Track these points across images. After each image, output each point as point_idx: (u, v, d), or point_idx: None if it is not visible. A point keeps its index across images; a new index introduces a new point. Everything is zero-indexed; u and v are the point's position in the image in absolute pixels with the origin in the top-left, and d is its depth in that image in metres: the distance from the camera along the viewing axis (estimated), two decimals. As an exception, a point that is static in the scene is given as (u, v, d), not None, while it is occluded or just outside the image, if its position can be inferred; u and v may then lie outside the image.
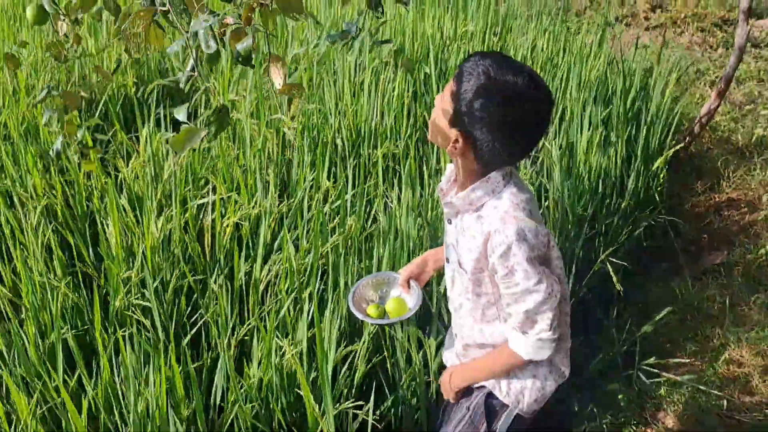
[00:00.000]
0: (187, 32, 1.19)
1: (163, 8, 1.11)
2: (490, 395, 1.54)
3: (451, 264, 1.52)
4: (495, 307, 1.47)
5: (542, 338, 1.38)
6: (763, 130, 4.37)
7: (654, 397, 2.53)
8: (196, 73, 1.33)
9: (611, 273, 2.53)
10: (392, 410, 2.04)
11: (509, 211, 1.33)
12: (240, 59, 1.37)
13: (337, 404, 1.77)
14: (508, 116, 1.28)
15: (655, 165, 3.14)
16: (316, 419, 1.68)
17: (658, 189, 3.27)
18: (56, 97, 1.64)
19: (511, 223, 1.31)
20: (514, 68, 1.27)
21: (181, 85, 1.38)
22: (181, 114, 1.41)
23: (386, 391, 2.02)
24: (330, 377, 1.70)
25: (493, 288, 1.43)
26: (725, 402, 2.52)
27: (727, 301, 2.99)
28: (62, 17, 1.59)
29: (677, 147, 3.44)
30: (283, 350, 1.78)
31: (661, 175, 3.24)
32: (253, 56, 1.38)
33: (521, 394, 1.51)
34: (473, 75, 1.27)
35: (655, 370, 2.59)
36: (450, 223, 1.48)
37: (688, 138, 4.01)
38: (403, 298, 1.68)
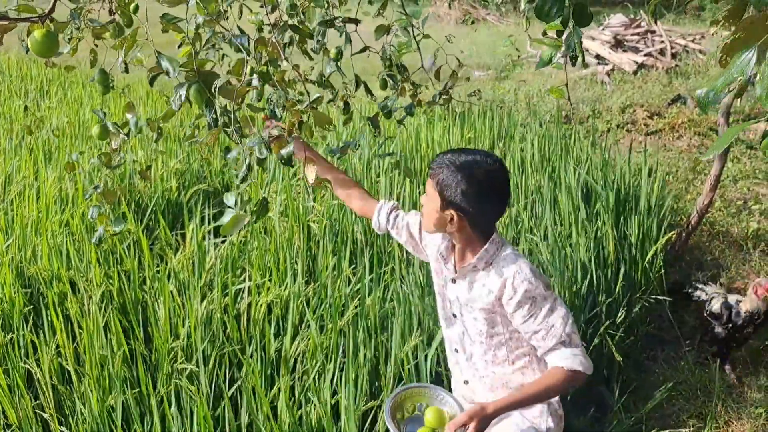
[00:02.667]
0: (243, 145, 1.59)
1: (226, 129, 1.52)
2: None
3: (457, 318, 1.80)
4: (505, 348, 1.74)
5: (574, 342, 1.66)
6: (757, 224, 4.65)
7: (659, 469, 2.66)
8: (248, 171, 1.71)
9: (611, 344, 2.74)
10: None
11: (518, 259, 1.69)
12: (282, 161, 1.76)
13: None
14: (480, 184, 1.66)
15: (650, 251, 3.42)
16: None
17: (656, 275, 3.52)
18: (99, 194, 1.98)
19: (524, 265, 1.67)
20: (468, 152, 1.71)
21: (237, 182, 1.75)
22: (230, 199, 1.78)
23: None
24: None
25: (503, 328, 1.72)
26: (730, 476, 2.63)
27: (729, 383, 3.14)
28: (121, 134, 1.99)
29: (671, 234, 3.72)
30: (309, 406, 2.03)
31: (657, 262, 3.50)
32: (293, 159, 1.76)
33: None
34: (443, 167, 1.67)
35: (660, 444, 2.73)
36: (454, 282, 1.78)
37: (687, 230, 4.29)
38: (442, 409, 1.68)
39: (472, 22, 5.94)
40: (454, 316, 1.81)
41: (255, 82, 1.73)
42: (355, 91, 2.15)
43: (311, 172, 1.77)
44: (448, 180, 1.65)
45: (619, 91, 8.64)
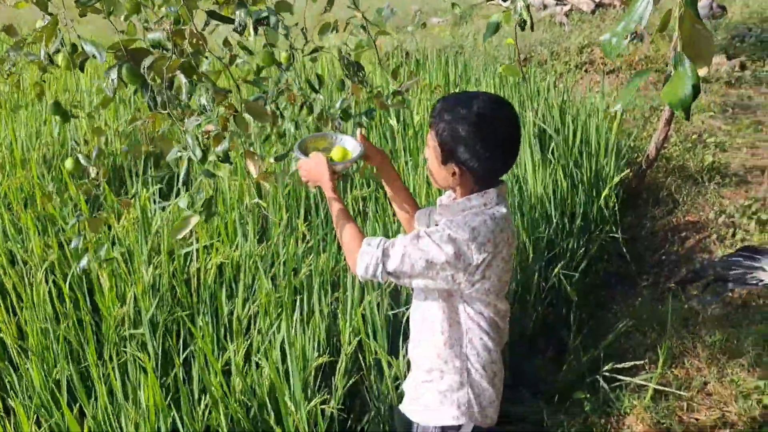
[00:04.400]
0: (183, 130, 1.53)
1: (164, 111, 1.45)
2: (443, 430, 1.62)
3: None
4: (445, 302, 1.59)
5: (384, 264, 1.50)
6: (712, 157, 4.69)
7: (617, 402, 2.71)
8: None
9: (567, 287, 2.76)
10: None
11: (485, 217, 1.49)
12: (220, 158, 1.70)
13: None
14: (484, 136, 1.47)
15: (605, 190, 3.42)
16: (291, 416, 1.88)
17: (611, 212, 3.54)
18: (84, 221, 1.88)
19: (478, 220, 1.48)
20: (473, 97, 1.51)
21: (180, 185, 1.69)
22: (182, 202, 1.73)
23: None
24: (303, 379, 1.90)
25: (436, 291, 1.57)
26: (685, 404, 2.70)
27: (684, 313, 3.21)
28: (92, 168, 1.88)
29: (627, 172, 3.73)
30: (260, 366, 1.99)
31: (612, 200, 3.51)
32: (231, 154, 1.72)
33: (469, 406, 1.60)
34: (444, 115, 1.49)
35: (618, 376, 2.78)
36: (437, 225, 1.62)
37: (644, 166, 4.32)
38: (346, 147, 1.79)
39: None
40: None
41: (182, 77, 1.63)
42: (317, 93, 2.07)
43: (253, 168, 1.73)
44: (449, 131, 1.48)
45: (577, 31, 8.57)
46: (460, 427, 1.60)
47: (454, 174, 1.52)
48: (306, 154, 1.77)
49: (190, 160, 1.54)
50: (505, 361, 1.76)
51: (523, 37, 8.88)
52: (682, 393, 2.71)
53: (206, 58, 1.79)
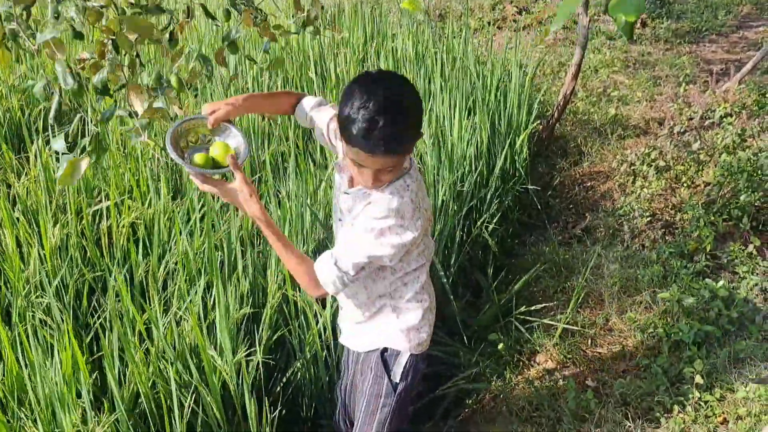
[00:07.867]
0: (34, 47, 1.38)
1: (12, 27, 1.28)
2: (384, 351, 1.81)
3: (341, 223, 1.77)
4: None
5: (343, 270, 1.60)
6: (615, 110, 4.94)
7: (529, 341, 2.88)
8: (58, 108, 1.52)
9: (488, 237, 2.86)
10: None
11: (394, 199, 1.57)
12: (97, 90, 1.56)
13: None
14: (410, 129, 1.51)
15: (518, 142, 3.54)
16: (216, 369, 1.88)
17: (523, 164, 3.68)
18: None
19: (396, 201, 1.56)
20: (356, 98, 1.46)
21: (51, 121, 1.55)
22: (57, 144, 1.58)
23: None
24: (227, 329, 1.90)
25: None
26: (590, 340, 2.90)
27: (589, 257, 3.42)
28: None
29: (536, 124, 3.87)
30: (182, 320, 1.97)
31: (524, 152, 3.64)
32: (110, 86, 1.58)
33: (407, 338, 1.80)
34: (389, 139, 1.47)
35: (529, 318, 2.94)
36: (347, 194, 1.69)
37: (552, 119, 4.49)
38: (228, 143, 1.62)
39: None
40: (340, 220, 1.79)
41: None
42: (188, 18, 1.93)
43: (138, 103, 1.60)
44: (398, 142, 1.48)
45: (489, -13, 8.65)
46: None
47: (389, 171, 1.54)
48: (182, 151, 1.59)
49: (62, 91, 1.40)
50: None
51: (420, 6, 8.86)
52: (586, 330, 2.91)
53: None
